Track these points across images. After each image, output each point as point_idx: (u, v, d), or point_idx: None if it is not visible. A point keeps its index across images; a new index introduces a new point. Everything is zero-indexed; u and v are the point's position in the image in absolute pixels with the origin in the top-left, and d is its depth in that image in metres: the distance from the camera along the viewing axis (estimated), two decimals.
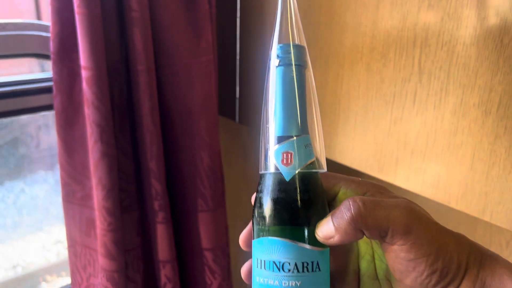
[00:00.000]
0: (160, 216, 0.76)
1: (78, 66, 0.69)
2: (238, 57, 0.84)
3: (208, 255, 0.83)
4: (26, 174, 0.97)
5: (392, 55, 0.58)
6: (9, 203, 0.95)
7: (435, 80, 0.54)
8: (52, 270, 1.01)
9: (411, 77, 0.56)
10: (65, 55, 0.70)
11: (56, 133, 0.76)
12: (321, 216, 0.33)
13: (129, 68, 0.70)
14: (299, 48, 0.34)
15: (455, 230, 0.32)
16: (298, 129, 0.33)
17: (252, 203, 0.36)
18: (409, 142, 0.59)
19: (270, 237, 0.33)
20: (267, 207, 0.34)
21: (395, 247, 0.30)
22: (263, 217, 0.34)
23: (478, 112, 0.51)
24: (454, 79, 0.52)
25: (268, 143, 0.34)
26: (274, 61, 0.34)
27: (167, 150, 0.78)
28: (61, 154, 0.77)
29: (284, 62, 0.34)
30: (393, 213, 0.30)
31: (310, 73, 0.35)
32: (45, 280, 1.01)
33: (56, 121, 0.75)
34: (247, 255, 0.36)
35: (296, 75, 0.34)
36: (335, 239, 0.31)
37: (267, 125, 0.34)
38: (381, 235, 0.30)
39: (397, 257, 0.30)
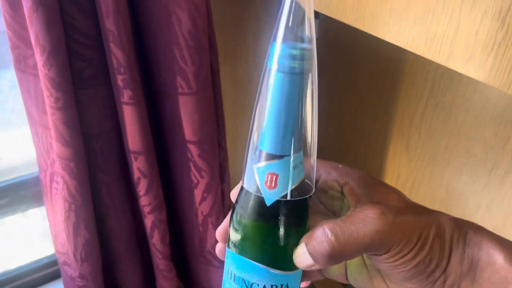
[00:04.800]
0: (126, 95, 0.59)
1: None
2: None
3: (193, 149, 0.66)
4: None
5: None
6: None
7: None
8: None
9: None
10: None
11: None
12: (297, 242, 0.30)
13: None
14: (305, 53, 0.27)
15: None
16: (288, 149, 0.28)
17: (232, 199, 0.32)
18: None
19: (242, 256, 0.31)
20: (242, 227, 0.31)
21: (375, 257, 0.31)
22: (238, 234, 0.31)
23: None
24: None
25: (253, 154, 0.29)
26: (273, 63, 0.27)
27: (132, 5, 0.57)
28: (3, 5, 0.59)
29: (284, 69, 0.27)
30: (366, 235, 0.29)
31: (314, 73, 0.28)
32: None
33: None
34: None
35: (296, 86, 0.27)
36: (316, 267, 0.30)
37: (254, 134, 0.29)
38: (360, 256, 0.33)
39: (379, 262, 0.31)
